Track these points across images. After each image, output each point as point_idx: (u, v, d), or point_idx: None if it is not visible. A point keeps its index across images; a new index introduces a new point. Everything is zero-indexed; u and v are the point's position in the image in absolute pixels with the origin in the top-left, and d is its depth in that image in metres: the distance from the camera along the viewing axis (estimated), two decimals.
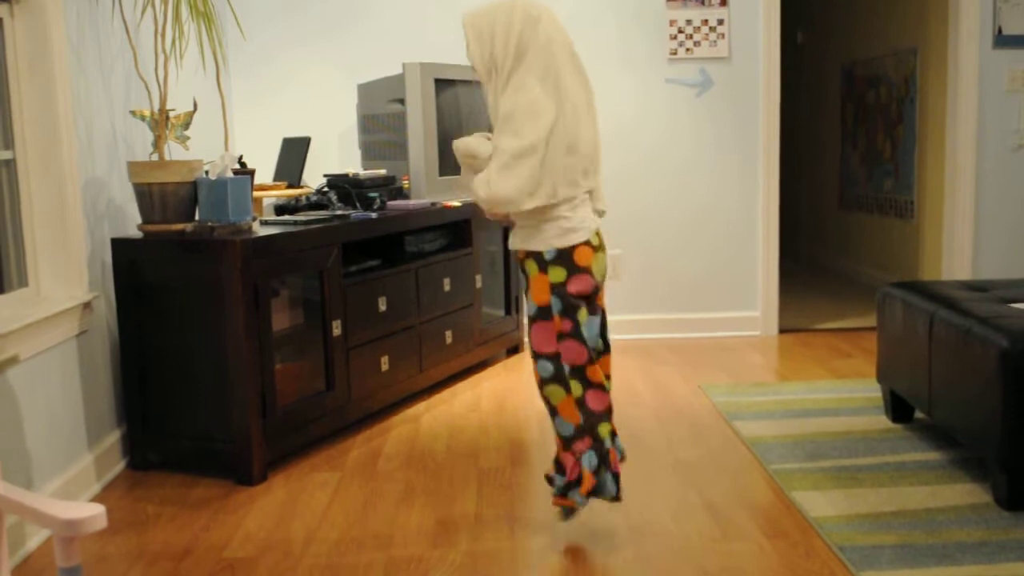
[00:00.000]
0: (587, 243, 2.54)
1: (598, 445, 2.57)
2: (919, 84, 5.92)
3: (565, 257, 2.52)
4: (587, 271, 2.54)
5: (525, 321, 2.54)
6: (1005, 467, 2.74)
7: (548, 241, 2.52)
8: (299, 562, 2.59)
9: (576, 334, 2.53)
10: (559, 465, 2.65)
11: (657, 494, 3.01)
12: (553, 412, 2.60)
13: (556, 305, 2.53)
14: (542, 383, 2.59)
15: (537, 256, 2.54)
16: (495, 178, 2.47)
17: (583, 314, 2.54)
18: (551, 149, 2.47)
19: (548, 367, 2.57)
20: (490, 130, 2.61)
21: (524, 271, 2.60)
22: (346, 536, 2.75)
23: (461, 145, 2.60)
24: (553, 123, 2.47)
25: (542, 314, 2.56)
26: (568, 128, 2.51)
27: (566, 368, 2.55)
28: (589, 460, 2.57)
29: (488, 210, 2.55)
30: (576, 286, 2.53)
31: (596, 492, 2.59)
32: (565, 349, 2.55)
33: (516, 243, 2.60)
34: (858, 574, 2.39)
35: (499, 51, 2.50)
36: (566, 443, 2.59)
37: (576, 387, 2.56)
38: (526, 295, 2.61)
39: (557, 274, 2.53)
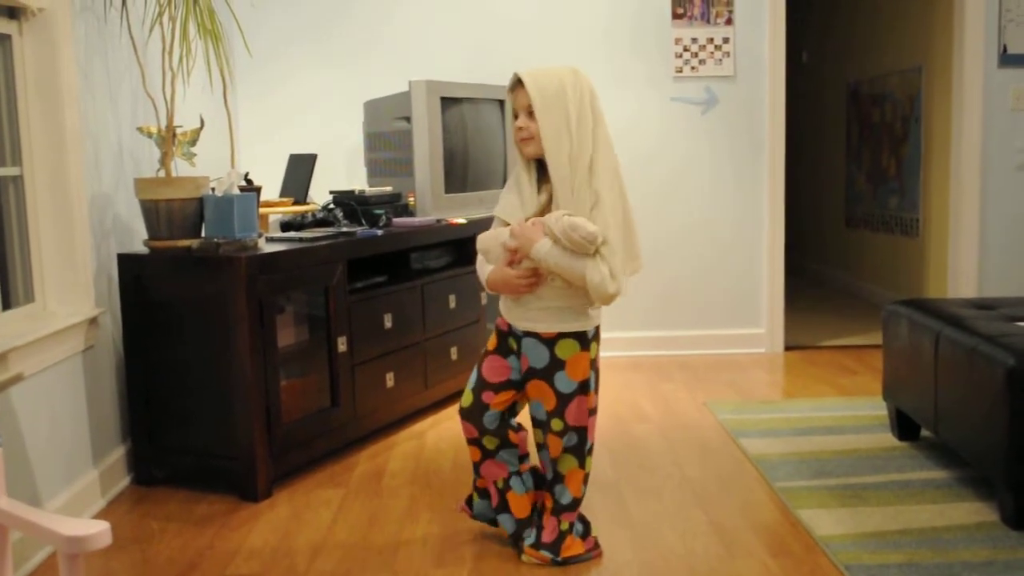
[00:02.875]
0: None
1: (581, 515, 2.70)
2: (924, 102, 5.92)
3: (598, 332, 2.63)
4: None
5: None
6: (1011, 486, 2.73)
7: (593, 319, 2.58)
8: None
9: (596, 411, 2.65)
10: (539, 521, 2.68)
11: (662, 512, 3.00)
12: (558, 479, 2.64)
13: (593, 380, 2.59)
14: (563, 450, 2.61)
15: (579, 335, 2.56)
16: (619, 275, 2.46)
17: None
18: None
19: (574, 438, 2.60)
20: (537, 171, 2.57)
21: (552, 352, 2.56)
22: (351, 553, 2.74)
23: (583, 223, 2.41)
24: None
25: (583, 389, 2.57)
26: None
27: (589, 443, 2.62)
28: (576, 529, 2.66)
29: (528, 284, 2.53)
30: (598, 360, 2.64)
31: (576, 559, 2.65)
32: (592, 424, 2.62)
33: (550, 325, 2.55)
34: None
35: (573, 108, 2.48)
36: (556, 509, 2.64)
37: (589, 463, 2.66)
38: (552, 375, 2.57)
39: (595, 349, 2.61)
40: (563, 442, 2.59)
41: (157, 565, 2.70)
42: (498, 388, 2.66)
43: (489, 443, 2.67)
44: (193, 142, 3.45)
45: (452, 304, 4.20)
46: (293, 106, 5.17)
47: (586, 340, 2.57)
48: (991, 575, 2.46)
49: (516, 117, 2.56)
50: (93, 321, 3.14)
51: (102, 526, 1.56)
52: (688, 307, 5.31)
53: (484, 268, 2.63)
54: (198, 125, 3.51)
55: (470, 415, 2.68)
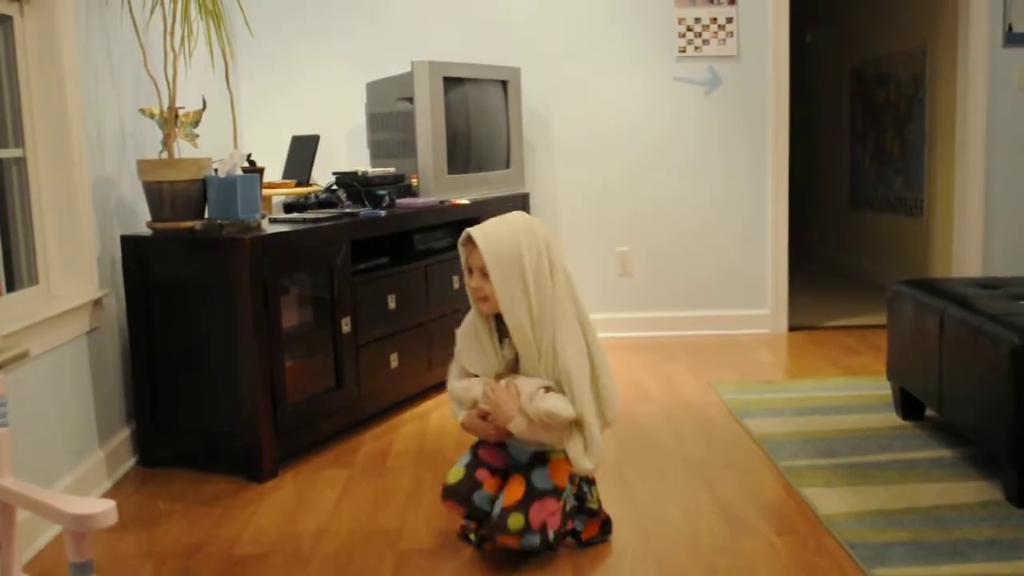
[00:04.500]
0: None
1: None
2: (929, 82, 5.90)
3: None
4: None
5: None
6: (1016, 464, 2.73)
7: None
8: (310, 558, 2.59)
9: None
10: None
11: (667, 492, 3.00)
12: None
13: (567, 491, 2.49)
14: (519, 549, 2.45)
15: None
16: (596, 445, 2.47)
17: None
18: None
19: (535, 541, 2.41)
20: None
21: (539, 451, 2.53)
22: (356, 532, 2.75)
23: (560, 411, 2.40)
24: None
25: (555, 493, 2.46)
26: None
27: (550, 535, 2.44)
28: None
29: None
30: None
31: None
32: (553, 522, 2.45)
33: (542, 447, 2.52)
34: (869, 571, 2.38)
35: (530, 270, 2.42)
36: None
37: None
38: (532, 469, 2.49)
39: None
40: (520, 543, 2.40)
41: (163, 545, 2.70)
42: (495, 471, 2.55)
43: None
44: (195, 123, 3.44)
45: (456, 285, 4.20)
46: (295, 87, 5.16)
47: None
48: (995, 553, 2.46)
49: (470, 272, 2.50)
50: (97, 303, 3.14)
51: (108, 504, 1.57)
52: (692, 288, 5.31)
53: (453, 397, 2.60)
54: (200, 106, 3.50)
55: (456, 493, 2.52)
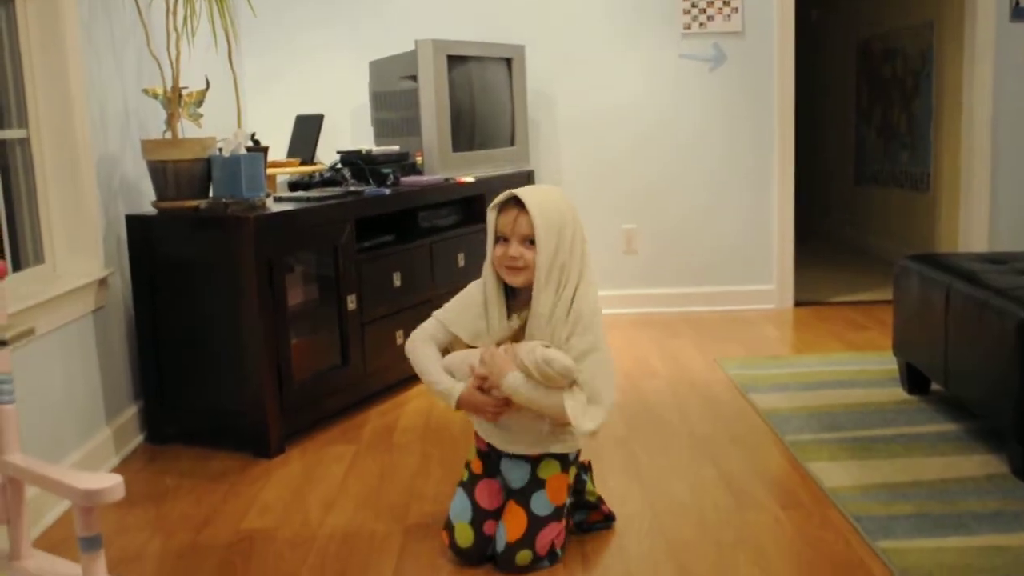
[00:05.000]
0: None
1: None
2: (935, 57, 5.87)
3: (578, 456, 2.50)
4: None
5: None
6: (1021, 438, 2.73)
7: (573, 442, 2.43)
8: (317, 532, 2.61)
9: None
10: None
11: (672, 466, 3.01)
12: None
13: (568, 504, 2.45)
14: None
15: (561, 457, 2.42)
16: (605, 407, 2.29)
17: None
18: None
19: (546, 564, 2.37)
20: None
21: (533, 470, 2.41)
22: (363, 507, 2.77)
23: (559, 358, 2.25)
24: None
25: (558, 515, 2.40)
26: None
27: (560, 553, 2.41)
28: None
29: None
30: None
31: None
32: (560, 539, 2.42)
33: (531, 447, 2.40)
34: (873, 543, 2.39)
35: (565, 250, 2.31)
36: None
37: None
38: (530, 495, 2.38)
39: (574, 473, 2.48)
40: (530, 570, 2.35)
41: (171, 520, 2.72)
42: (499, 515, 2.43)
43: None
44: (199, 103, 3.44)
45: (461, 262, 4.20)
46: (299, 66, 5.15)
47: (567, 463, 2.43)
48: (1000, 525, 2.47)
49: (502, 240, 2.35)
50: (103, 282, 3.15)
51: (116, 479, 1.58)
52: (697, 264, 5.31)
53: (439, 377, 2.42)
54: (204, 86, 3.49)
55: (472, 554, 2.39)
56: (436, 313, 2.49)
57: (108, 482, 1.58)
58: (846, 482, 2.79)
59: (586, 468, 2.64)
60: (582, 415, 2.26)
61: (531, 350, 2.25)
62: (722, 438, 3.25)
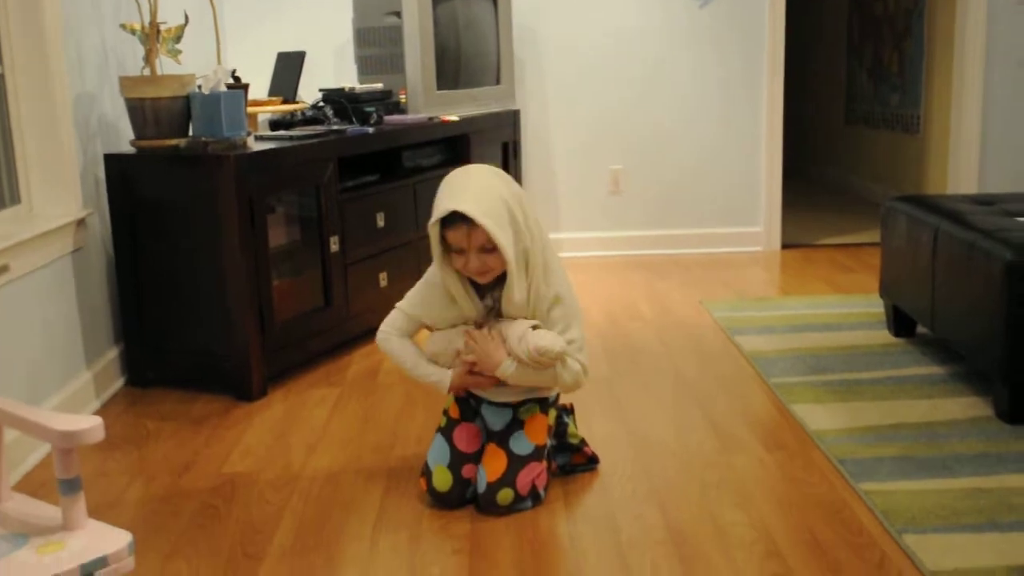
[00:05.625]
0: None
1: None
2: None
3: (557, 399, 2.53)
4: None
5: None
6: (1007, 381, 2.74)
7: (552, 388, 2.46)
8: (300, 474, 2.61)
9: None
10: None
11: (657, 408, 3.03)
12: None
13: (549, 444, 2.48)
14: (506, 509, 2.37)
15: (541, 400, 2.45)
16: (587, 364, 2.38)
17: None
18: None
19: (528, 504, 2.38)
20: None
21: (514, 413, 2.42)
22: (346, 450, 2.77)
23: (553, 346, 2.27)
24: None
25: (539, 455, 2.40)
26: None
27: (542, 494, 2.41)
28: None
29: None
30: None
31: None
32: (543, 480, 2.41)
33: (516, 396, 2.42)
34: (857, 486, 2.41)
35: (524, 235, 2.27)
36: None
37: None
38: (509, 436, 2.39)
39: (553, 415, 2.49)
40: (512, 509, 2.36)
41: (153, 463, 2.72)
42: (478, 458, 2.42)
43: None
44: (178, 39, 3.38)
45: None
46: (280, 2, 5.06)
47: (546, 404, 2.46)
48: (984, 467, 2.49)
49: (458, 252, 2.29)
50: (81, 222, 3.12)
51: (95, 421, 1.57)
52: (685, 206, 5.29)
53: (426, 369, 2.43)
54: (182, 21, 3.43)
55: (451, 498, 2.39)
56: (400, 305, 2.48)
57: (87, 423, 1.57)
58: (830, 425, 2.80)
59: (568, 411, 2.65)
60: (575, 381, 2.36)
61: (521, 338, 2.28)
62: (707, 381, 3.26)
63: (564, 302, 2.35)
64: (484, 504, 2.36)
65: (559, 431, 2.55)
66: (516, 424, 2.41)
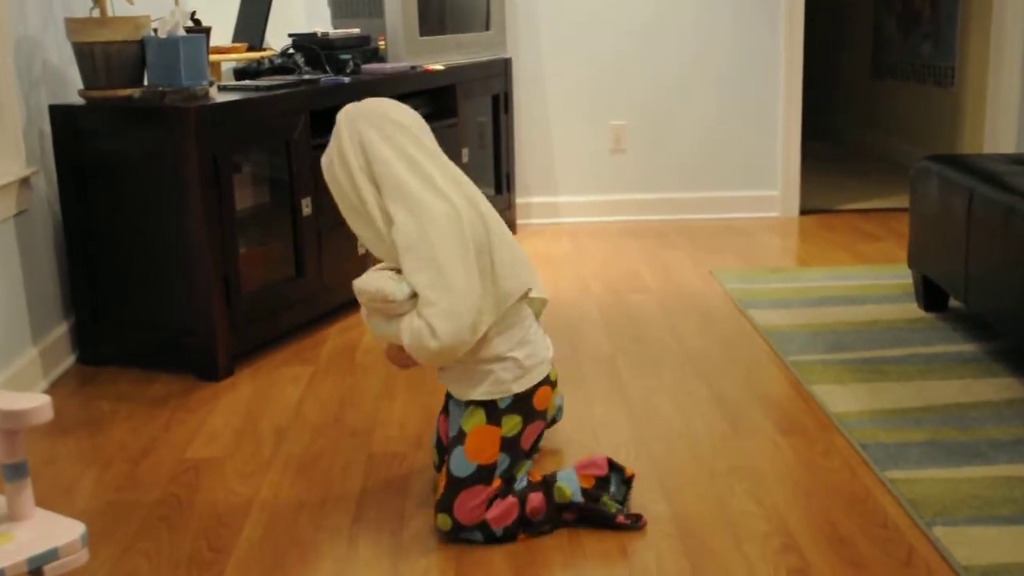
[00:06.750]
0: (547, 379, 2.28)
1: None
2: None
3: (524, 403, 2.23)
4: (543, 416, 2.30)
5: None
6: None
7: (505, 386, 2.21)
8: (270, 461, 2.62)
9: (510, 491, 2.22)
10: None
11: (663, 388, 3.04)
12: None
13: (503, 464, 2.21)
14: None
15: (488, 405, 2.21)
16: (439, 325, 2.09)
17: (523, 468, 2.28)
18: (474, 255, 2.16)
19: (478, 536, 2.20)
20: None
21: (459, 417, 2.25)
22: (322, 434, 2.78)
23: (365, 286, 2.18)
24: (463, 226, 2.17)
25: (481, 477, 2.19)
26: (476, 222, 2.20)
27: (497, 532, 2.20)
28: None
29: (420, 361, 2.22)
30: (530, 438, 2.28)
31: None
32: (500, 516, 2.19)
33: (461, 389, 2.25)
34: (881, 473, 2.43)
35: (353, 180, 2.23)
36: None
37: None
38: (451, 451, 2.22)
39: (512, 425, 2.22)
40: (459, 538, 2.21)
41: (108, 449, 2.73)
42: None
43: None
44: None
45: None
46: None
47: (495, 412, 2.21)
48: (1021, 454, 2.51)
49: None
50: (24, 182, 3.10)
51: (43, 399, 1.57)
52: (693, 167, 5.29)
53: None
54: None
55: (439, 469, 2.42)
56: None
57: (34, 402, 1.57)
58: (853, 407, 2.82)
59: (625, 479, 2.35)
60: (415, 338, 2.12)
61: (371, 283, 2.19)
62: (717, 358, 3.27)
63: (409, 237, 2.14)
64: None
65: (593, 494, 2.27)
66: (459, 436, 2.23)
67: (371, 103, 2.31)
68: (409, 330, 2.13)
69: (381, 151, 2.22)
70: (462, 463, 2.19)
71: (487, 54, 4.78)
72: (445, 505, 2.19)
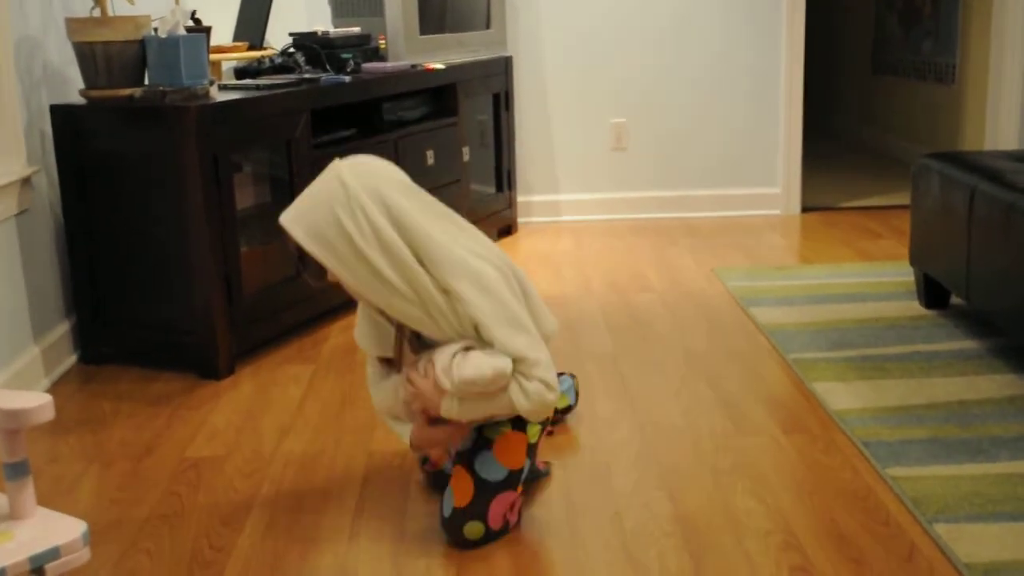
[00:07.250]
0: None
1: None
2: None
3: None
4: (544, 426, 2.34)
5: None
6: None
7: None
8: (271, 461, 2.62)
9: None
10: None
11: (665, 386, 3.04)
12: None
13: (527, 469, 2.25)
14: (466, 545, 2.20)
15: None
16: (549, 377, 2.09)
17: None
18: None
19: (494, 535, 2.20)
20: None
21: (480, 430, 2.24)
22: (323, 433, 2.78)
23: (477, 376, 2.05)
24: (511, 281, 2.15)
25: (512, 482, 2.20)
26: (509, 274, 2.17)
27: (509, 524, 2.24)
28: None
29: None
30: (538, 446, 2.33)
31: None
32: (513, 515, 2.25)
33: (474, 413, 2.17)
34: (883, 470, 2.43)
35: (375, 245, 2.04)
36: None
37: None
38: (474, 457, 2.21)
39: (534, 432, 2.27)
40: (468, 536, 2.17)
41: (109, 448, 2.73)
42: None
43: None
44: None
45: (430, 160, 4.17)
46: None
47: (520, 419, 2.23)
48: (1022, 451, 2.51)
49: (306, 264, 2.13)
50: (26, 182, 3.11)
51: (45, 398, 1.57)
52: (695, 164, 5.29)
53: (392, 426, 2.35)
54: None
55: (439, 480, 2.42)
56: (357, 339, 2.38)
57: (35, 401, 1.57)
58: (854, 404, 2.82)
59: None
60: (537, 400, 2.10)
61: (446, 371, 2.08)
62: (719, 356, 3.28)
63: (483, 310, 2.08)
64: (449, 533, 2.18)
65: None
66: (482, 442, 2.22)
67: (367, 166, 2.14)
68: (525, 395, 2.08)
69: (416, 221, 2.08)
70: (494, 467, 2.19)
71: (487, 52, 4.78)
72: (479, 511, 2.16)
